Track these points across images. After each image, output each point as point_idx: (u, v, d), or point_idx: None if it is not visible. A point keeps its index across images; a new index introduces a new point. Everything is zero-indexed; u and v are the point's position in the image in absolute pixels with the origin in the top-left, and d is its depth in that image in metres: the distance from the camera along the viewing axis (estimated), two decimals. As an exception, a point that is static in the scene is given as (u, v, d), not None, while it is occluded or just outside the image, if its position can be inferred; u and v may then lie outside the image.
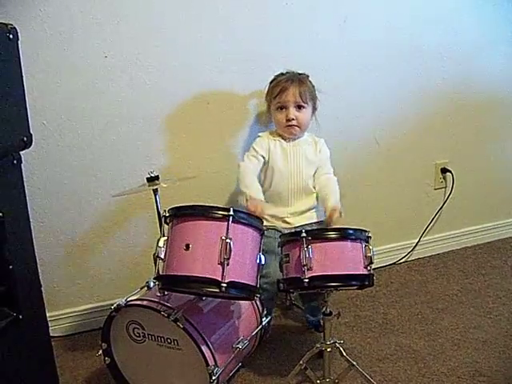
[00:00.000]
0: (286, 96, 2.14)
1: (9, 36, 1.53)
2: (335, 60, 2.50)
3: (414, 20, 2.62)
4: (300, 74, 2.21)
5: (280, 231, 2.12)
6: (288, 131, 2.19)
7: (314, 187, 2.22)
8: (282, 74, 2.22)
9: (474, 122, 2.91)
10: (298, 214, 2.20)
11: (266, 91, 2.24)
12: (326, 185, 2.17)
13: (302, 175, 2.19)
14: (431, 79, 2.73)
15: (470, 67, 2.81)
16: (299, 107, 2.16)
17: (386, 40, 2.58)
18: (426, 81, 2.72)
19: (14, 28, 1.55)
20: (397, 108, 2.70)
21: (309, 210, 2.22)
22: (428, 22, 2.64)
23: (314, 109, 2.23)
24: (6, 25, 1.53)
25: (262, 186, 2.18)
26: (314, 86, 2.22)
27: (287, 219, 2.19)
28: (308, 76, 2.23)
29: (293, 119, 2.15)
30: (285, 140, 2.22)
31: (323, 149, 2.25)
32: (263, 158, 2.20)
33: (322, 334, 1.81)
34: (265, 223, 1.82)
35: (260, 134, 2.28)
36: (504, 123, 3.00)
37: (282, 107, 2.16)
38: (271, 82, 2.22)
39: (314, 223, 2.20)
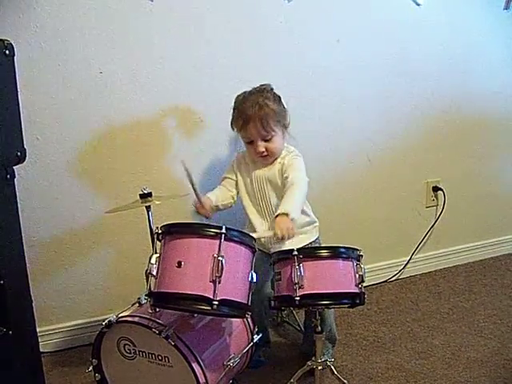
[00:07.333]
0: (250, 132, 2.00)
1: (5, 52, 1.55)
2: (328, 78, 2.53)
3: (406, 40, 2.66)
4: (261, 92, 2.01)
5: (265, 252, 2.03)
6: (262, 161, 2.08)
7: None
8: (244, 92, 2.05)
9: (465, 141, 2.94)
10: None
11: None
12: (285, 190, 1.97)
13: (268, 200, 2.08)
14: (423, 98, 2.77)
15: (461, 86, 2.85)
16: (266, 138, 2.01)
17: (377, 60, 2.62)
18: (417, 100, 2.76)
19: (11, 44, 1.57)
20: (389, 126, 2.73)
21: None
22: (419, 42, 2.68)
23: (285, 127, 2.06)
24: (3, 40, 1.55)
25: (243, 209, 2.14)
26: (280, 101, 2.04)
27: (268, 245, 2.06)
28: (272, 89, 2.04)
29: (263, 151, 2.02)
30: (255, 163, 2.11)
31: (289, 160, 2.05)
32: (233, 180, 2.14)
33: (313, 351, 1.81)
34: None
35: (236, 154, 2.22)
36: (495, 142, 3.03)
37: (250, 141, 2.04)
38: (234, 108, 2.05)
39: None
